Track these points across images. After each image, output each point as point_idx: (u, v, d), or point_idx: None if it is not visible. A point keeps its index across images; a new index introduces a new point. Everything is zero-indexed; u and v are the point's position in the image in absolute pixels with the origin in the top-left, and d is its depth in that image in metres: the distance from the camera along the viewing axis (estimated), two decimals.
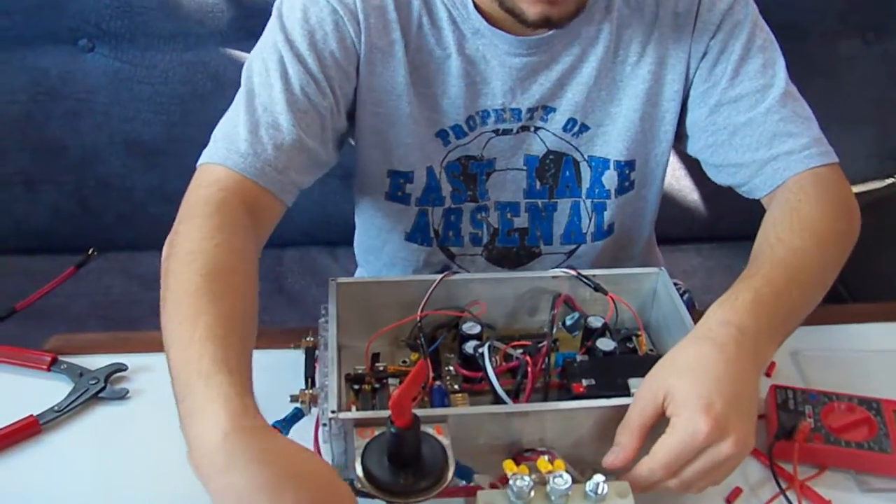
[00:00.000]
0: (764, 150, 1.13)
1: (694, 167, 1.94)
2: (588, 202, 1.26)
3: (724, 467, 0.86)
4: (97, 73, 1.78)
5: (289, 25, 1.08)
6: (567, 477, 0.82)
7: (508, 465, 0.84)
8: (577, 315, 1.05)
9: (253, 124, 1.04)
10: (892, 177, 2.01)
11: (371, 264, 1.41)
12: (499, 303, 1.09)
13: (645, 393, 0.88)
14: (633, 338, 1.08)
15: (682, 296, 1.66)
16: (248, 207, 1.00)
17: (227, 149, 1.03)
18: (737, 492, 0.96)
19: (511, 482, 0.81)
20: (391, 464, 0.82)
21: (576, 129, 1.20)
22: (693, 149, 1.22)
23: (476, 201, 1.25)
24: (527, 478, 0.82)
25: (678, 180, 1.96)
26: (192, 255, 0.91)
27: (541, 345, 1.00)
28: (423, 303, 1.04)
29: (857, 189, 1.83)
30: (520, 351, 0.99)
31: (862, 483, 0.97)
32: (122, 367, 1.10)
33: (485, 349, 0.97)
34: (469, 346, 1.00)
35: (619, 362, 1.00)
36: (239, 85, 1.10)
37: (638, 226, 1.33)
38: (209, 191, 0.99)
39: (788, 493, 0.94)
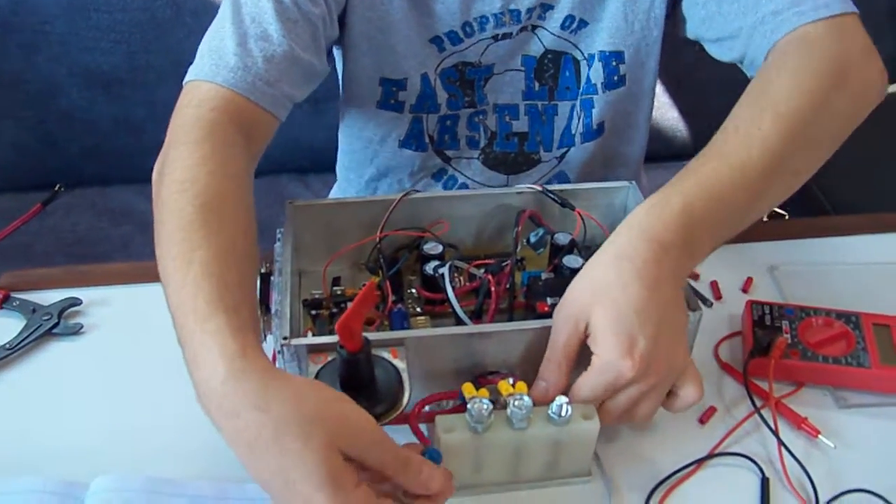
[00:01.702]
0: (751, 14, 1.02)
1: (672, 83, 1.91)
2: (578, 101, 1.22)
3: (656, 393, 0.82)
4: (51, 1, 1.71)
5: None
6: (528, 399, 0.78)
7: (467, 389, 0.80)
8: (541, 231, 1.00)
9: (241, 36, 0.98)
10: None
11: (352, 183, 1.36)
12: (464, 221, 1.04)
13: (564, 323, 0.83)
14: None
15: None
16: (241, 126, 0.94)
17: (214, 64, 0.96)
18: (711, 411, 0.93)
19: (469, 406, 0.78)
20: (344, 390, 0.78)
21: (574, 25, 1.15)
22: (692, 30, 1.13)
23: (474, 107, 1.21)
24: (486, 401, 0.78)
25: (657, 97, 1.91)
26: (183, 183, 0.84)
27: (504, 263, 0.96)
28: (382, 223, 1.00)
29: None
30: (483, 270, 0.95)
31: (840, 399, 0.94)
32: (76, 302, 1.07)
33: (445, 269, 0.93)
34: (430, 267, 0.96)
35: None
36: (198, 10, 1.04)
37: (631, 127, 1.27)
38: (198, 111, 0.93)
39: (764, 412, 0.90)
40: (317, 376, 0.80)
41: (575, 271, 0.95)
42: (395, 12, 1.10)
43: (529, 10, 1.13)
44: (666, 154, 1.97)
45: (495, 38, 1.15)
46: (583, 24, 1.15)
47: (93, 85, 1.79)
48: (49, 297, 1.07)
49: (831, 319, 0.98)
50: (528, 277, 0.98)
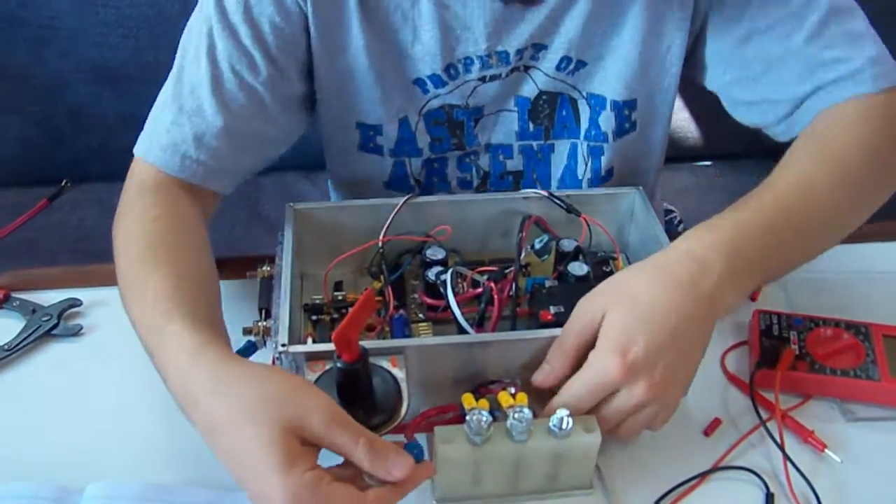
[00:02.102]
0: (807, 83, 0.99)
1: (683, 84, 1.88)
2: (585, 145, 1.15)
3: (644, 414, 0.81)
4: None
5: None
6: (528, 412, 0.76)
7: (467, 399, 0.79)
8: (545, 238, 0.99)
9: (177, 110, 0.98)
10: None
11: None
12: (468, 226, 1.03)
13: (583, 314, 0.82)
14: (610, 261, 1.02)
15: (677, 225, 1.60)
16: (185, 190, 0.98)
17: (149, 140, 0.99)
18: (716, 423, 0.91)
19: (468, 418, 0.76)
20: (341, 399, 0.77)
21: (571, 67, 1.07)
22: (715, 83, 1.08)
23: (462, 149, 1.14)
24: (485, 413, 0.76)
25: None
26: (132, 234, 0.92)
27: (507, 270, 0.94)
28: (384, 228, 0.98)
29: None
30: (485, 277, 0.94)
31: (847, 412, 0.92)
32: (76, 303, 1.06)
33: (447, 276, 0.91)
34: (432, 273, 0.94)
35: (592, 288, 0.92)
36: None
37: (642, 169, 1.20)
38: (139, 179, 0.99)
39: (769, 425, 0.89)
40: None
41: (580, 279, 0.94)
42: (363, 61, 1.04)
43: (520, 52, 1.05)
44: (677, 155, 1.95)
45: (483, 79, 1.07)
46: (581, 64, 1.07)
47: (100, 80, 1.78)
48: (49, 298, 1.06)
49: (840, 330, 0.96)
50: (531, 284, 0.96)
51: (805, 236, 0.90)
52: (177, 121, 0.97)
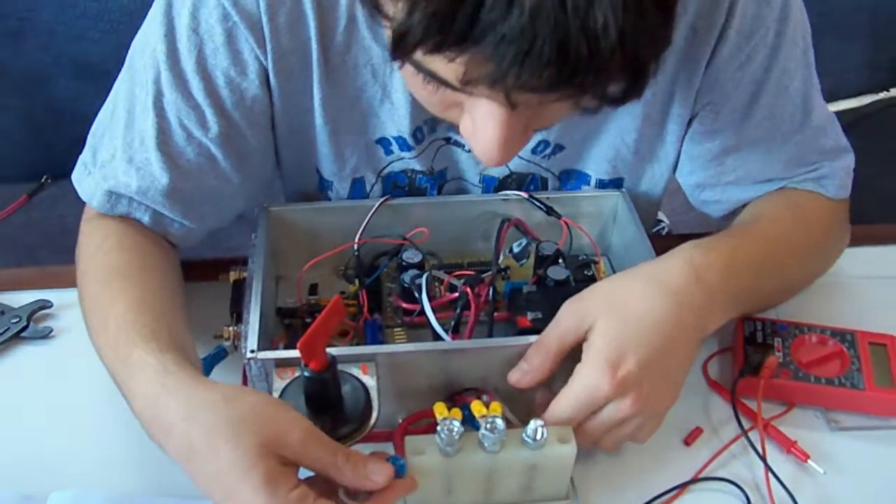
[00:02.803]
0: (774, 186, 1.01)
1: None
2: None
3: (629, 426, 0.80)
4: None
5: (177, 29, 0.88)
6: (500, 422, 0.74)
7: (439, 409, 0.77)
8: (524, 241, 0.96)
9: (128, 157, 0.91)
10: (886, 90, 1.91)
11: None
12: (447, 228, 1.01)
13: (570, 317, 0.80)
14: (591, 265, 1.00)
15: (665, 236, 1.58)
16: (139, 226, 0.95)
17: (96, 183, 0.93)
18: (697, 432, 0.89)
19: (439, 428, 0.74)
20: (309, 409, 0.75)
21: (548, 150, 1.02)
22: (685, 178, 1.05)
23: None
24: (456, 422, 0.74)
25: None
26: (86, 268, 0.91)
27: (484, 274, 0.92)
28: (360, 230, 0.96)
29: (848, 104, 1.75)
30: (462, 281, 0.91)
31: (832, 421, 0.90)
32: (46, 305, 1.03)
33: (422, 280, 0.89)
34: (407, 277, 0.92)
35: (571, 292, 0.88)
36: None
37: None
38: (90, 217, 0.96)
39: (752, 434, 0.87)
40: (282, 394, 0.77)
41: (559, 283, 0.92)
42: (318, 115, 0.96)
43: None
44: None
45: (447, 140, 1.01)
46: (559, 148, 1.01)
47: (81, 75, 1.76)
48: (19, 299, 1.04)
49: (826, 337, 0.94)
50: (509, 288, 0.94)
51: (779, 280, 0.95)
52: (127, 171, 0.91)
